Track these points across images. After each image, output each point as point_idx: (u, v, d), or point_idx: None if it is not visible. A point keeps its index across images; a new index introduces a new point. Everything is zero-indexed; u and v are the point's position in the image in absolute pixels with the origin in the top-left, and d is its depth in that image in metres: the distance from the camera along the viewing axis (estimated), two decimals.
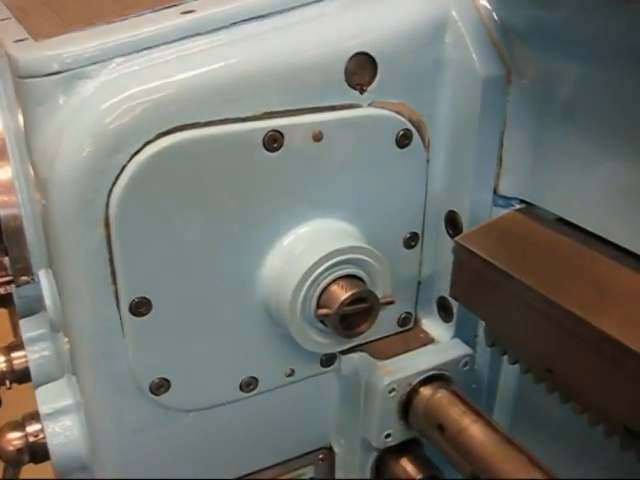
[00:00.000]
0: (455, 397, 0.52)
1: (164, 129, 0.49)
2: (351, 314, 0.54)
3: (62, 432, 0.63)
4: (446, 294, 0.64)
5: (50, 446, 0.62)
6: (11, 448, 0.64)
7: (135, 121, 0.49)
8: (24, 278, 0.74)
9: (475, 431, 0.49)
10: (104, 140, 0.49)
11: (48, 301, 0.59)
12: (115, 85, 0.50)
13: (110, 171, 0.49)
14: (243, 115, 0.52)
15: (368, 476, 0.67)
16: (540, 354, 0.50)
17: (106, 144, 0.49)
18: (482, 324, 0.63)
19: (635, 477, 0.54)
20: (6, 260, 0.75)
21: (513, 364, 0.54)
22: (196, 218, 0.52)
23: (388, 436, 0.63)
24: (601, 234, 0.51)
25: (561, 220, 0.55)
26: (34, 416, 0.64)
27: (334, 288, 0.54)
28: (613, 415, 0.45)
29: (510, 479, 0.45)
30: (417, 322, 0.68)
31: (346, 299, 0.53)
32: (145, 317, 0.53)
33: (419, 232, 0.63)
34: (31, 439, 0.63)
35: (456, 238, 0.56)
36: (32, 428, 0.64)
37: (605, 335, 0.44)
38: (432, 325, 0.67)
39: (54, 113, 0.51)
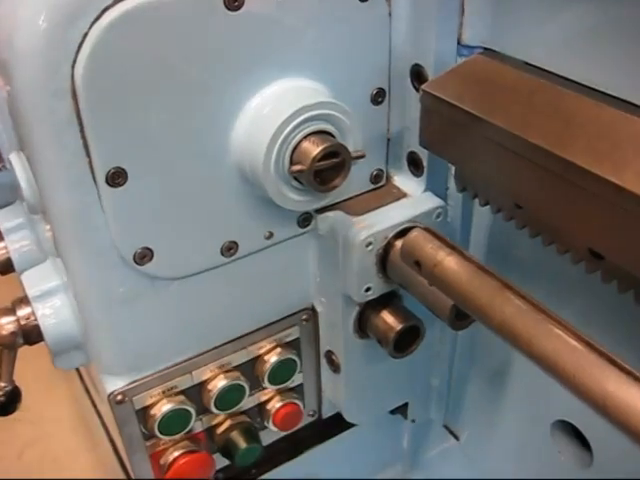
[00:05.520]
0: (429, 234, 0.54)
1: None
2: (324, 169, 0.55)
3: (52, 312, 0.64)
4: (415, 149, 0.64)
5: (42, 327, 0.63)
6: (4, 332, 0.64)
7: None
8: None
9: (450, 262, 0.50)
10: (61, 8, 0.47)
11: (23, 183, 0.59)
12: None
13: (71, 40, 0.48)
14: None
15: (351, 331, 0.69)
16: (509, 191, 0.52)
17: (64, 12, 0.47)
18: (452, 176, 0.64)
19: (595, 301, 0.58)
20: None
21: (484, 206, 0.56)
22: (162, 85, 0.52)
23: (368, 290, 0.65)
24: (566, 75, 0.52)
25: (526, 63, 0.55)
26: (23, 300, 0.65)
27: (306, 144, 0.54)
28: (579, 240, 0.47)
29: (485, 303, 0.47)
30: (389, 179, 0.69)
31: (318, 153, 0.53)
32: (122, 187, 0.54)
33: (385, 88, 0.63)
34: (23, 322, 0.64)
35: (422, 86, 0.56)
36: (23, 312, 0.64)
37: (570, 163, 0.45)
38: (404, 181, 0.68)
39: None
